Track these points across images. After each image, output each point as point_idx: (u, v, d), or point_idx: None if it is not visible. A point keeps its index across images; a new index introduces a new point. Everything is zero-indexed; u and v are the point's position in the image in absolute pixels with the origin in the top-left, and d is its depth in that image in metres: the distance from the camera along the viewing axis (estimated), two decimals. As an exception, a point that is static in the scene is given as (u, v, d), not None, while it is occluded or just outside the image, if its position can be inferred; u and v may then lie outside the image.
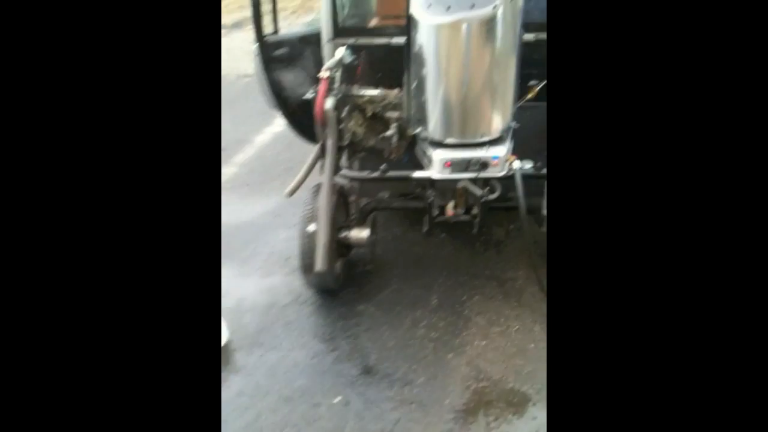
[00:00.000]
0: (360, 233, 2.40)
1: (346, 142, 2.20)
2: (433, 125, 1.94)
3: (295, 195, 2.32)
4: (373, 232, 2.42)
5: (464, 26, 1.71)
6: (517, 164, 1.92)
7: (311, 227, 2.20)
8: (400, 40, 2.03)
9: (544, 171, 2.02)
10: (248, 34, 2.37)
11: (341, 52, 2.08)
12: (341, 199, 2.41)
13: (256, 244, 2.89)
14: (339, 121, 2.03)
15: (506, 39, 1.76)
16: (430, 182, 2.15)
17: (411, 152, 2.23)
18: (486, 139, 1.93)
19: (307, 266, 2.25)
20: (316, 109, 2.01)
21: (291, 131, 2.85)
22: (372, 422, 1.90)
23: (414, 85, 1.95)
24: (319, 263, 2.04)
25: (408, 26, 1.87)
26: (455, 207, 2.33)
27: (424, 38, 1.82)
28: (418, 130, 2.02)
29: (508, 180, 1.96)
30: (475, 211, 2.35)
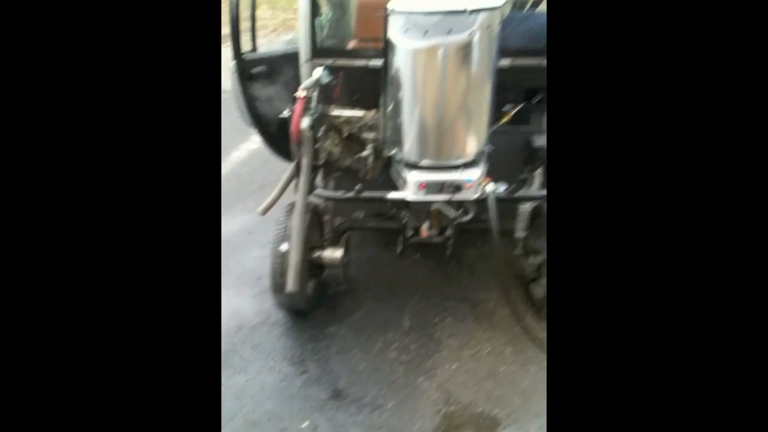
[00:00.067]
0: (333, 253, 2.38)
1: (321, 162, 2.19)
2: (409, 147, 1.96)
3: (269, 213, 2.29)
4: (346, 252, 2.40)
5: (441, 51, 1.74)
6: (490, 187, 1.93)
7: (283, 247, 2.17)
8: (377, 62, 2.05)
9: (517, 194, 2.04)
10: (228, 50, 2.36)
11: (319, 72, 2.08)
12: (315, 218, 2.39)
13: (228, 262, 2.83)
14: (315, 140, 2.03)
15: (482, 64, 1.79)
16: (405, 203, 2.15)
17: (386, 173, 2.23)
18: (460, 162, 1.95)
19: (278, 286, 2.21)
20: (293, 128, 2.01)
21: (267, 149, 2.84)
22: (340, 448, 1.86)
23: (390, 107, 1.96)
24: (290, 284, 2.01)
25: (385, 49, 1.89)
26: (429, 228, 2.33)
27: (401, 62, 1.84)
28: (394, 151, 2.02)
29: (481, 202, 1.98)
30: (448, 232, 2.36)
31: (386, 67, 1.92)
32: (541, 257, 2.41)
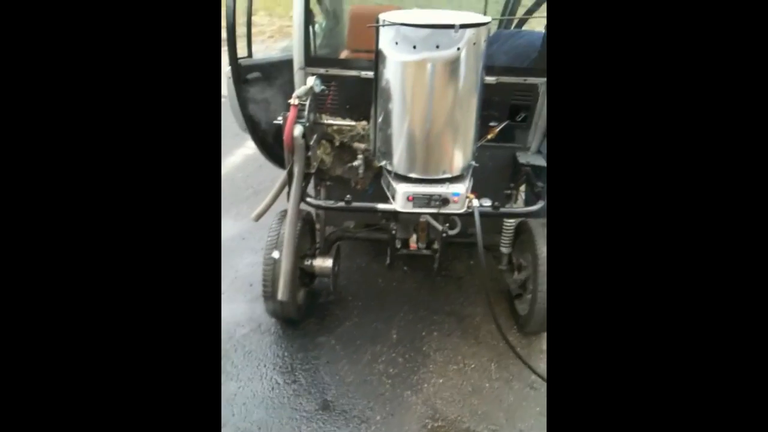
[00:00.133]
0: (324, 262, 2.37)
1: (313, 170, 2.19)
2: (398, 159, 1.95)
3: (263, 219, 2.29)
4: (336, 262, 2.40)
5: (429, 65, 1.73)
6: (476, 202, 1.92)
7: (275, 254, 2.17)
8: (369, 73, 2.04)
9: (502, 210, 2.04)
10: (224, 55, 2.36)
11: (312, 80, 2.08)
12: (307, 226, 2.39)
13: (221, 268, 2.84)
14: (307, 148, 2.02)
15: (468, 80, 1.78)
16: (394, 215, 2.14)
17: (377, 183, 2.22)
18: (447, 176, 1.94)
19: (269, 293, 2.21)
20: (285, 135, 2.00)
21: (261, 154, 2.84)
22: (325, 461, 1.86)
23: (380, 118, 1.95)
24: (281, 292, 2.01)
25: (376, 61, 1.88)
26: (417, 241, 2.33)
27: (391, 74, 1.83)
28: (383, 162, 2.02)
29: (468, 216, 1.97)
30: (436, 245, 2.36)
31: (377, 78, 1.91)
32: (526, 273, 2.41)
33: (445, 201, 1.92)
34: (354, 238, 2.66)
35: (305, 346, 2.35)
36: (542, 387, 2.15)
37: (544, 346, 2.38)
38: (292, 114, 1.96)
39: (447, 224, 2.25)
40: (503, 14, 3.24)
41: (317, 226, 2.57)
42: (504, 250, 2.53)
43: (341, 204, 2.10)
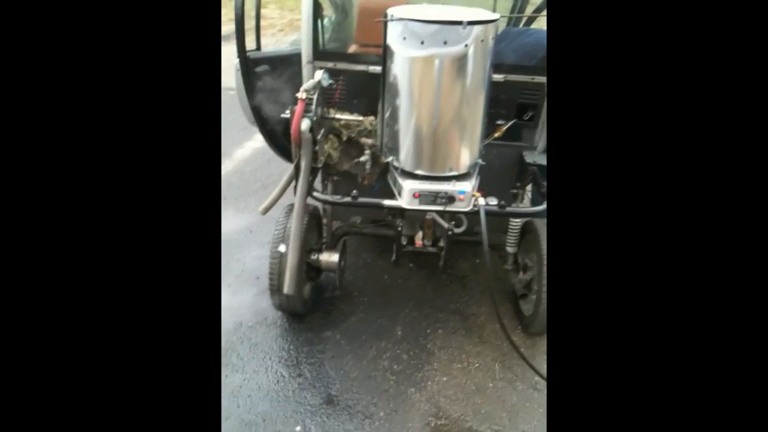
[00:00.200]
0: (330, 257, 2.38)
1: (320, 165, 2.18)
2: (404, 156, 1.93)
3: (271, 212, 2.29)
4: (343, 257, 2.39)
5: (437, 62, 1.71)
6: (482, 201, 1.91)
7: (282, 248, 2.17)
8: (377, 68, 2.02)
9: (508, 209, 2.02)
10: (234, 47, 2.37)
11: (320, 74, 2.06)
12: (314, 221, 2.39)
13: (229, 260, 2.86)
14: (314, 142, 2.01)
15: (476, 77, 1.76)
16: (400, 211, 2.13)
17: (384, 179, 2.21)
18: (454, 173, 1.92)
19: (275, 287, 2.22)
20: (292, 129, 1.99)
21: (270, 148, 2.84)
22: (328, 456, 1.87)
23: (388, 114, 1.94)
24: (287, 286, 2.01)
25: (384, 56, 1.86)
26: (423, 238, 2.32)
27: (399, 69, 1.81)
28: (390, 158, 2.00)
29: (474, 215, 1.95)
30: (442, 243, 2.34)
31: (385, 73, 1.89)
32: (531, 273, 2.39)
33: (451, 199, 1.90)
34: (360, 234, 2.66)
35: (311, 340, 2.36)
36: (545, 389, 2.14)
37: (549, 347, 2.36)
38: (299, 108, 1.95)
39: (453, 222, 2.23)
40: (512, 12, 3.20)
41: (324, 220, 2.57)
42: (509, 249, 2.51)
43: (348, 199, 2.09)
